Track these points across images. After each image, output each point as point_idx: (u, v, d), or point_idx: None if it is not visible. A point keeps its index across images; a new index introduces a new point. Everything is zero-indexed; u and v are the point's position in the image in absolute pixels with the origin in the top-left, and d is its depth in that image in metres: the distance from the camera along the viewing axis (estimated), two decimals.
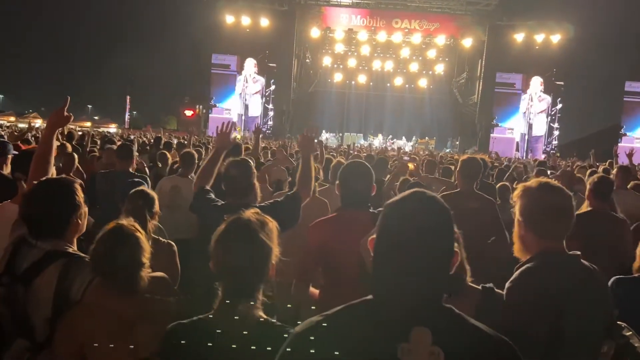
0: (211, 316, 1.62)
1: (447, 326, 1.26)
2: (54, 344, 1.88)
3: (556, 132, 32.24)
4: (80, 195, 2.15)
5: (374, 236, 1.33)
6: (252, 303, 1.60)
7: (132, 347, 1.82)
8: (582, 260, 2.06)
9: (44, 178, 2.23)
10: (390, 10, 32.99)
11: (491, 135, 32.43)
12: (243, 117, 32.44)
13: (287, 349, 1.28)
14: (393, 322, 1.23)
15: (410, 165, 6.23)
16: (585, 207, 4.51)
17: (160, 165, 6.69)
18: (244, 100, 32.80)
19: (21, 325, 1.92)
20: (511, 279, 2.02)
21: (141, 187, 3.09)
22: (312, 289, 2.81)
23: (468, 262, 2.02)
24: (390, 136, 34.45)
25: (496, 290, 1.99)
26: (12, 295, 1.93)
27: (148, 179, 4.70)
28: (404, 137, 34.46)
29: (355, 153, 11.93)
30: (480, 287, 1.97)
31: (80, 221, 2.15)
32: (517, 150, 31.89)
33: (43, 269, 1.96)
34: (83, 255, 2.03)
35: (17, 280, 1.95)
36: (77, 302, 1.92)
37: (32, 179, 2.38)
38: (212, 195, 3.09)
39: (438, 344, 1.20)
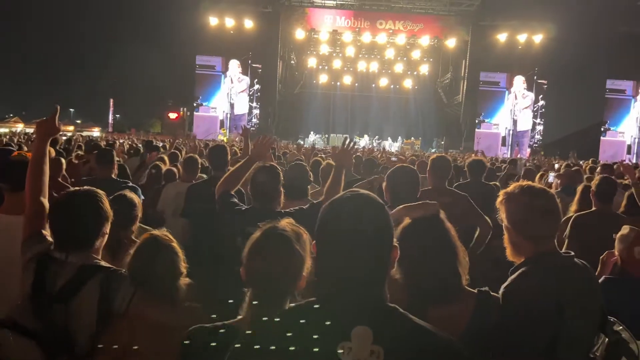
0: (235, 322, 1.62)
1: (389, 325, 1.26)
2: (96, 357, 1.87)
3: (539, 127, 32.85)
4: (107, 206, 2.15)
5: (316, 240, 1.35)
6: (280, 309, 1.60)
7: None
8: (575, 259, 2.08)
9: (71, 190, 2.20)
10: (374, 12, 33.14)
11: (477, 130, 32.90)
12: (229, 115, 32.59)
13: (236, 345, 1.31)
14: (335, 322, 1.23)
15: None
16: (573, 209, 4.57)
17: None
18: (230, 99, 32.82)
19: (64, 343, 1.89)
20: (506, 283, 2.03)
21: (120, 193, 3.01)
22: None
23: (465, 262, 2.02)
24: (377, 137, 34.59)
25: (492, 293, 1.99)
26: (51, 315, 1.90)
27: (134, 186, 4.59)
28: (389, 138, 34.59)
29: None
30: (476, 291, 1.98)
31: (107, 232, 2.16)
32: (504, 144, 32.44)
33: (82, 285, 1.94)
34: (117, 268, 2.04)
35: (54, 300, 1.92)
36: (121, 315, 1.92)
37: (30, 191, 2.33)
38: (236, 200, 3.10)
39: (379, 342, 1.20)
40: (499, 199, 2.15)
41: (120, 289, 1.96)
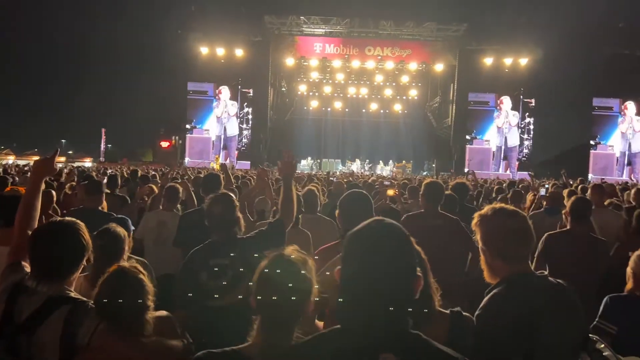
0: (244, 347, 1.62)
1: (413, 351, 1.28)
2: None
3: (527, 142, 33.83)
4: (87, 237, 2.15)
5: (340, 267, 1.37)
6: (286, 341, 1.61)
7: None
8: (549, 278, 2.11)
9: (53, 220, 2.21)
10: (363, 39, 33.69)
11: (469, 146, 33.54)
12: (222, 137, 33.36)
13: None
14: (360, 349, 1.25)
15: (390, 192, 6.25)
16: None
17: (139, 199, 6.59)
18: (221, 122, 33.61)
19: None
20: (481, 305, 2.06)
21: (106, 227, 2.98)
22: (317, 322, 2.81)
23: (434, 283, 2.04)
24: (367, 161, 34.77)
25: (464, 314, 2.01)
26: (16, 345, 1.88)
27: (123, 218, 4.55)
28: (381, 162, 34.83)
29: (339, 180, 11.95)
30: (448, 312, 1.99)
31: (85, 264, 2.15)
32: (493, 159, 33.31)
33: (47, 316, 1.92)
34: (86, 299, 2.01)
35: (19, 330, 1.91)
36: (84, 347, 1.89)
37: (18, 224, 2.34)
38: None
39: None
40: (474, 221, 2.19)
41: (84, 321, 1.93)
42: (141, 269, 2.06)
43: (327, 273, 1.54)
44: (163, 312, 2.17)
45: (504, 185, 10.66)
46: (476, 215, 2.20)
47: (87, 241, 2.14)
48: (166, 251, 4.45)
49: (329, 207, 5.61)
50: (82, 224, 2.19)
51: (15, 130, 61.30)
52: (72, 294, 2.05)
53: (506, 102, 33.48)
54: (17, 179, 8.78)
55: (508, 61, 32.34)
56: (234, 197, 3.15)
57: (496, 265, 2.10)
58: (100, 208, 4.71)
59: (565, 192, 5.98)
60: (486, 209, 2.19)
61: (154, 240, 4.90)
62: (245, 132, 33.91)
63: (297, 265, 1.66)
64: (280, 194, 3.19)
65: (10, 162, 29.75)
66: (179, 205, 5.61)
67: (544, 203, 5.99)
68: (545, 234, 4.14)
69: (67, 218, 2.21)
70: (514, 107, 33.55)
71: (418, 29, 33.32)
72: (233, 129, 33.73)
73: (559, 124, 40.74)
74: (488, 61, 32.47)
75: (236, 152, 33.29)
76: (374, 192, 7.26)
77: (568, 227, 4.15)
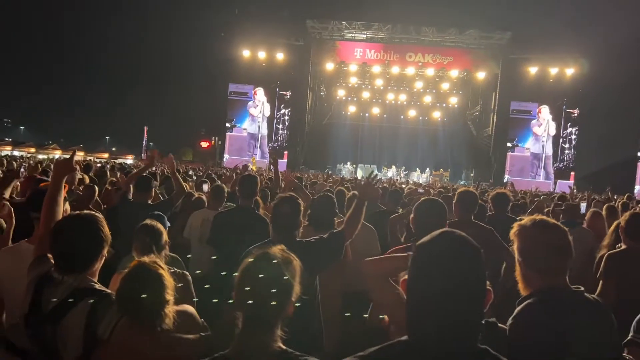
0: (230, 352, 1.63)
1: None
2: None
3: (567, 152, 33.37)
4: (106, 230, 2.20)
5: (406, 277, 1.35)
6: (267, 339, 1.62)
7: None
8: (585, 294, 2.06)
9: (73, 213, 2.28)
10: (404, 45, 33.48)
11: (510, 154, 33.37)
12: (259, 136, 34.42)
13: None
14: None
15: None
16: (605, 244, 4.45)
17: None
18: (256, 122, 34.56)
19: None
20: (513, 314, 2.03)
21: (147, 222, 3.10)
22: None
23: None
24: (403, 167, 34.49)
25: (499, 325, 1.98)
26: (42, 334, 1.93)
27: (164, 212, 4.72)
28: (417, 169, 34.46)
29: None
30: (483, 322, 1.97)
31: (105, 255, 2.20)
32: (532, 167, 33.18)
33: (71, 307, 1.98)
34: (110, 292, 2.06)
35: (45, 319, 1.96)
36: (105, 341, 1.93)
37: (44, 218, 2.44)
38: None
39: None
40: (513, 231, 2.16)
41: (106, 314, 1.97)
42: (162, 264, 2.09)
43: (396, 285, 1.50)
44: (184, 306, 2.21)
45: (543, 197, 10.39)
46: (515, 224, 2.17)
47: (105, 234, 2.18)
48: (209, 250, 4.53)
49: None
50: (101, 217, 2.24)
51: (62, 127, 63.69)
52: (97, 286, 2.10)
53: (544, 110, 32.89)
54: None
55: (553, 70, 31.56)
56: (301, 202, 3.20)
57: (531, 276, 2.07)
58: (150, 202, 4.94)
59: (604, 208, 5.79)
60: (526, 219, 2.15)
61: (198, 238, 5.00)
62: (281, 132, 34.58)
63: (279, 265, 1.67)
64: (351, 209, 3.23)
65: (57, 156, 30.92)
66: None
67: (561, 216, 5.82)
68: (607, 255, 3.99)
69: (85, 211, 2.28)
70: (556, 117, 32.88)
71: (461, 36, 32.89)
72: (266, 129, 34.67)
73: (604, 136, 39.40)
74: (532, 70, 31.76)
75: (269, 150, 34.31)
76: (408, 199, 7.21)
77: (624, 247, 4.00)
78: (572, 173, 32.85)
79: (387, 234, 4.50)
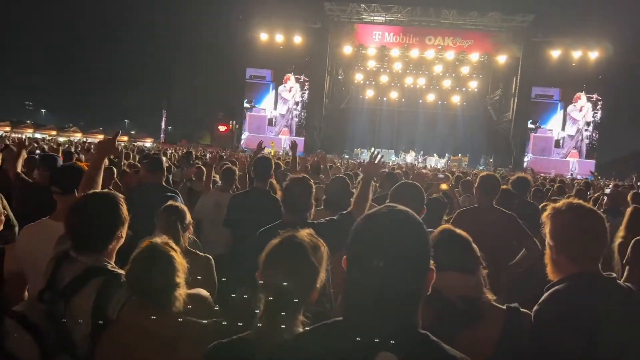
0: (251, 334, 1.60)
1: (417, 353, 1.17)
2: None
3: (586, 133, 33.21)
4: (125, 210, 2.18)
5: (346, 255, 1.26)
6: (290, 324, 1.58)
7: None
8: (618, 281, 2.01)
9: (90, 192, 2.26)
10: (424, 27, 33.00)
11: (532, 135, 33.33)
12: (277, 116, 35.11)
13: None
14: (359, 344, 1.15)
15: (444, 186, 6.08)
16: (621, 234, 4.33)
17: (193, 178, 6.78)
18: (276, 104, 35.13)
19: (63, 341, 1.93)
20: (540, 300, 1.98)
21: (171, 202, 3.09)
22: None
23: (488, 276, 1.96)
24: (422, 152, 34.21)
25: (522, 310, 1.92)
26: (55, 310, 1.94)
27: (178, 192, 4.73)
28: (435, 154, 34.13)
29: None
30: (505, 307, 1.91)
31: (122, 235, 2.18)
32: (557, 146, 33.27)
33: (83, 285, 1.97)
34: (121, 272, 2.04)
35: (58, 296, 1.97)
36: (114, 320, 1.93)
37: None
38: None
39: None
40: (546, 213, 2.08)
41: (115, 293, 1.96)
42: (173, 245, 2.06)
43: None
44: (198, 290, 2.19)
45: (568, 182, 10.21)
46: (549, 207, 2.10)
47: (123, 214, 2.16)
48: (222, 232, 4.53)
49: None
50: (120, 197, 2.21)
51: (82, 110, 64.46)
52: (109, 266, 2.09)
53: (570, 97, 32.62)
54: (82, 156, 9.18)
55: (577, 54, 30.84)
56: (312, 182, 3.17)
57: (561, 261, 2.00)
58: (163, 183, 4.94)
59: (629, 195, 5.64)
60: (561, 202, 2.08)
61: (210, 220, 5.00)
62: (295, 112, 35.06)
63: (306, 249, 1.63)
64: (357, 189, 3.21)
65: (77, 138, 31.33)
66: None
67: (604, 201, 5.69)
68: (635, 240, 3.89)
69: (104, 190, 2.26)
70: (583, 102, 32.45)
71: (482, 19, 32.29)
72: (284, 109, 35.11)
73: (629, 122, 38.57)
74: (555, 54, 31.08)
75: (285, 130, 34.75)
76: (427, 184, 7.12)
77: None
78: (595, 154, 32.77)
79: None
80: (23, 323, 1.87)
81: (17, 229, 3.35)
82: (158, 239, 2.07)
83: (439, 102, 36.73)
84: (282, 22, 32.53)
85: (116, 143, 2.71)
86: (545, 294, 1.98)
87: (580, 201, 2.12)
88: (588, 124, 32.74)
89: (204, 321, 1.94)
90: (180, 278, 1.98)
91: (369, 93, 36.95)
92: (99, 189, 2.51)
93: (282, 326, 1.55)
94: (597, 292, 1.93)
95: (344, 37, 33.59)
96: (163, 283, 1.93)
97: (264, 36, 32.94)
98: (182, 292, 1.97)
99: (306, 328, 1.46)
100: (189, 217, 3.03)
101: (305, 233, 1.70)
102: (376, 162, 3.34)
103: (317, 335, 1.28)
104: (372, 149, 3.38)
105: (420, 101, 36.90)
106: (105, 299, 1.94)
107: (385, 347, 1.14)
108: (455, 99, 36.35)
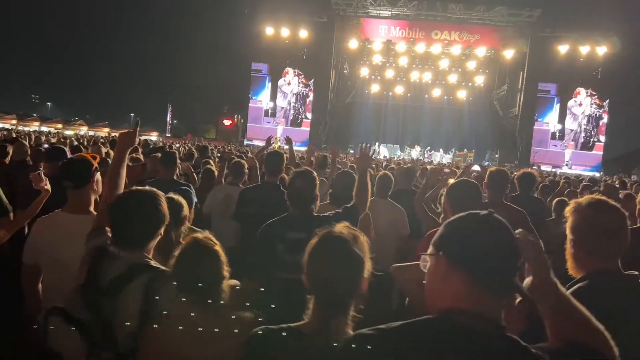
0: (301, 326, 1.62)
1: None
2: (138, 357, 1.90)
3: (587, 127, 33.09)
4: (166, 208, 2.20)
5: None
6: (343, 319, 1.59)
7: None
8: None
9: (133, 189, 2.26)
10: (430, 22, 32.84)
11: (534, 127, 33.41)
12: (275, 107, 35.52)
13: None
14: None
15: (451, 180, 6.04)
16: None
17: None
18: (276, 97, 35.44)
19: (108, 337, 1.94)
20: None
21: (168, 195, 3.08)
22: None
23: None
24: (428, 147, 34.11)
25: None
26: (98, 307, 1.95)
27: (191, 186, 4.74)
28: (441, 149, 34.05)
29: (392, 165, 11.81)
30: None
31: (162, 233, 2.20)
32: (553, 138, 33.39)
33: (128, 282, 1.98)
34: (165, 269, 2.07)
35: (102, 293, 1.98)
36: (162, 316, 1.94)
37: (106, 194, 2.44)
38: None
39: None
40: (568, 207, 2.08)
41: (163, 290, 1.97)
42: (215, 239, 2.08)
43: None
44: (235, 282, 2.20)
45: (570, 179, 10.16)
46: (572, 202, 2.09)
47: (165, 212, 2.18)
48: (231, 225, 4.54)
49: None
50: (162, 195, 2.23)
51: (88, 104, 64.58)
52: (152, 263, 2.10)
53: (582, 92, 32.40)
54: (89, 149, 9.20)
55: (584, 50, 30.62)
56: (316, 175, 3.18)
57: (581, 257, 2.00)
58: (175, 178, 4.97)
59: (622, 194, 5.60)
60: (585, 197, 2.07)
61: (220, 214, 5.02)
62: (295, 105, 35.25)
63: (348, 242, 1.64)
64: (356, 182, 3.23)
65: (83, 132, 31.41)
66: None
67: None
68: None
69: (147, 188, 2.26)
70: (586, 98, 32.29)
71: (488, 14, 32.10)
72: (284, 103, 35.34)
73: (635, 119, 38.33)
74: (562, 49, 30.87)
75: (282, 121, 35.12)
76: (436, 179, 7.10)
77: None
78: (592, 148, 32.83)
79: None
80: (67, 319, 1.88)
81: (11, 214, 3.45)
82: (199, 234, 2.09)
83: (445, 97, 36.59)
84: (288, 16, 32.43)
85: (136, 135, 2.71)
86: (568, 292, 1.97)
87: (603, 197, 2.11)
88: (588, 118, 32.63)
89: (245, 313, 1.96)
90: (226, 271, 2.02)
91: (375, 88, 36.83)
92: (123, 182, 2.51)
93: (333, 321, 1.56)
94: (616, 290, 1.92)
95: (350, 31, 33.47)
96: (211, 277, 1.96)
97: (269, 30, 32.87)
98: (227, 284, 2.01)
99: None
100: (184, 211, 3.01)
101: (341, 226, 1.70)
102: (367, 153, 3.34)
103: (409, 330, 1.27)
104: (362, 143, 3.40)
105: (426, 96, 36.76)
106: (153, 295, 1.95)
107: None
108: (461, 94, 36.19)
